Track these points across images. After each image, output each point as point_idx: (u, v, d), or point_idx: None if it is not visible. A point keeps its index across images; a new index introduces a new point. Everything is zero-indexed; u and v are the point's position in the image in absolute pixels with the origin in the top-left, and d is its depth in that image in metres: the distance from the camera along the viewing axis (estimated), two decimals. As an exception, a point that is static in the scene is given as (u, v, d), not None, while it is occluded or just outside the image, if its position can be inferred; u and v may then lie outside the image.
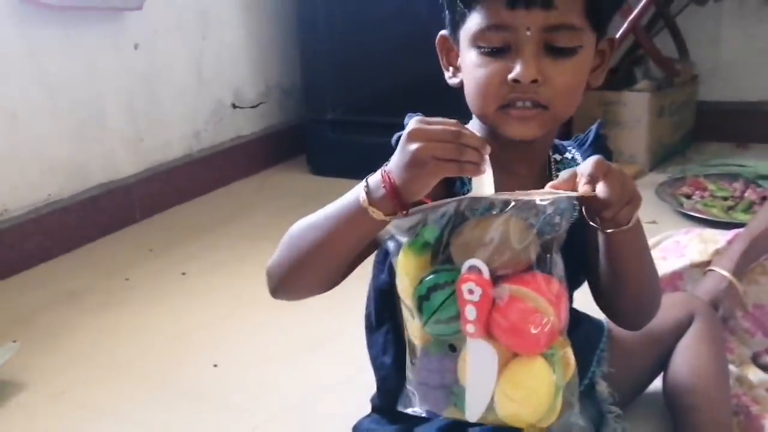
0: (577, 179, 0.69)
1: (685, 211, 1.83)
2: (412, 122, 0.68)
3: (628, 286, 0.80)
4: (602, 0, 0.74)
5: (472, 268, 0.64)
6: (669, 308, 1.00)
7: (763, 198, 1.85)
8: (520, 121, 0.75)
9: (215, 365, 1.32)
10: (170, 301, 1.62)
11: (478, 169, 0.66)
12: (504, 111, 0.75)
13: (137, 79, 2.13)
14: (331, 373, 1.29)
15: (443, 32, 0.82)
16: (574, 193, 0.68)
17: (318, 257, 0.75)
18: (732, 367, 1.05)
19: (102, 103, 2.03)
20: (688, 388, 0.94)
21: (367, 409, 0.96)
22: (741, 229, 1.24)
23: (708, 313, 1.01)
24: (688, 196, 1.92)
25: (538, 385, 0.66)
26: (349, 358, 1.28)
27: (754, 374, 1.07)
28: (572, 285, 0.86)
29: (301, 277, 0.77)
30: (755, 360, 1.11)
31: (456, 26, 0.79)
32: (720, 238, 1.26)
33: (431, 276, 0.66)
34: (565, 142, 0.90)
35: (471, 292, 0.63)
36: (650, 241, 1.34)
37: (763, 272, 1.17)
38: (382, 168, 0.70)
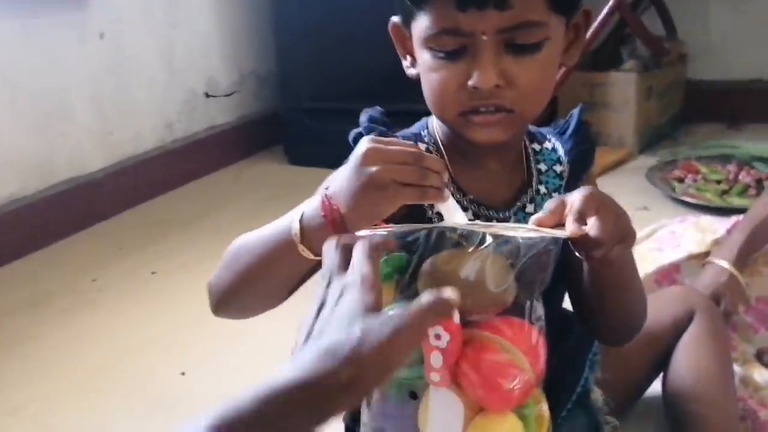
0: (565, 212, 0.61)
1: (677, 197, 1.76)
2: (366, 141, 0.61)
3: (614, 312, 0.75)
4: None
5: None
6: (666, 304, 0.93)
7: (758, 181, 1.79)
8: (483, 127, 0.68)
9: (182, 373, 1.24)
10: (139, 304, 1.54)
11: (441, 195, 0.61)
12: (465, 117, 0.68)
13: (104, 70, 2.02)
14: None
15: (395, 19, 0.74)
16: (561, 234, 0.60)
17: (253, 281, 0.69)
18: (735, 367, 0.98)
19: (67, 95, 1.93)
20: (689, 393, 0.87)
21: (339, 420, 0.89)
22: (740, 218, 1.17)
23: (709, 308, 0.94)
24: (681, 180, 1.85)
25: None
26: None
27: (759, 374, 1.00)
28: (553, 296, 0.79)
29: (238, 297, 0.71)
30: (760, 358, 1.04)
31: (407, 19, 0.71)
32: (718, 226, 1.19)
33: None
34: (543, 129, 0.83)
35: (438, 337, 0.54)
36: (644, 231, 1.29)
37: (765, 263, 1.11)
38: (322, 192, 0.63)
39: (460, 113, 0.68)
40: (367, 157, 0.60)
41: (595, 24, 1.98)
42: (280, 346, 1.39)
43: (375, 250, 0.54)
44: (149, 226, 1.96)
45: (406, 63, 0.75)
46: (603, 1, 2.00)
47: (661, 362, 0.93)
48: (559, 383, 0.83)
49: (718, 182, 1.81)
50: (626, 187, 1.88)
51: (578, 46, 0.73)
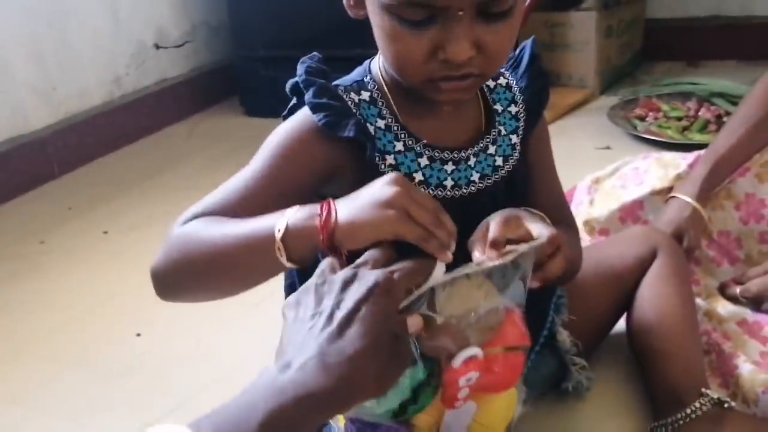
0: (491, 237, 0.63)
1: (639, 134, 1.74)
2: (397, 175, 0.60)
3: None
4: None
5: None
6: (630, 244, 0.93)
7: (718, 116, 1.78)
8: (450, 92, 0.65)
9: (138, 334, 1.20)
10: (90, 265, 1.48)
11: (444, 252, 0.59)
12: (433, 83, 0.65)
13: (43, 22, 1.91)
14: (263, 339, 1.17)
15: None
16: (536, 243, 0.64)
17: (212, 277, 0.65)
18: (699, 301, 0.97)
19: (3, 49, 1.82)
20: (654, 330, 0.86)
21: None
22: (702, 152, 1.15)
23: (671, 246, 0.93)
24: (642, 119, 1.83)
25: (509, 407, 0.65)
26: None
27: (723, 307, 0.99)
28: None
29: (191, 289, 0.68)
30: (723, 291, 1.04)
31: None
32: (680, 161, 1.17)
33: (407, 371, 0.57)
34: None
35: (469, 380, 0.58)
36: (607, 169, 1.27)
37: (727, 196, 1.09)
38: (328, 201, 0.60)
39: (428, 79, 0.65)
40: (396, 181, 0.59)
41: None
42: (237, 303, 1.35)
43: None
44: (99, 185, 1.89)
45: (347, 2, 0.69)
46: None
47: (625, 301, 0.92)
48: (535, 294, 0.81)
49: (679, 119, 1.79)
50: (588, 127, 1.86)
51: None
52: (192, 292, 0.69)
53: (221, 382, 1.06)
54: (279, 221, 0.60)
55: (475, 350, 0.58)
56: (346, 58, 2.06)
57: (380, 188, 0.59)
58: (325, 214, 0.59)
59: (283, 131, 0.70)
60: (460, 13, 0.60)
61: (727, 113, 1.79)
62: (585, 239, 1.19)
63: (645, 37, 2.40)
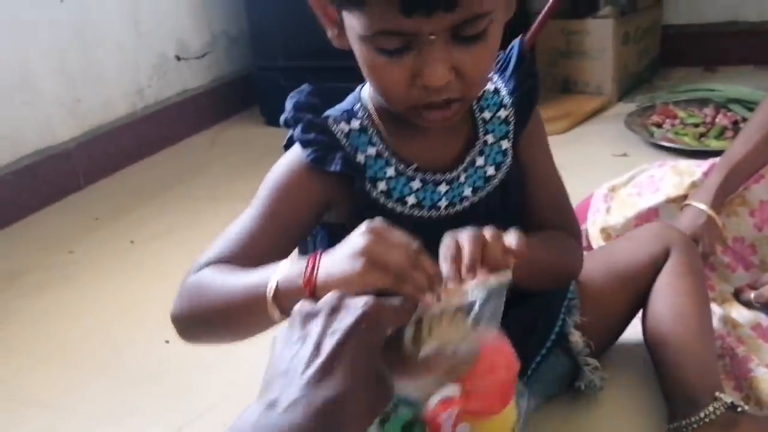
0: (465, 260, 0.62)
1: (656, 142, 1.75)
2: (370, 223, 0.59)
3: (545, 285, 0.80)
4: None
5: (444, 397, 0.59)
6: (642, 242, 0.93)
7: (735, 123, 1.78)
8: (434, 121, 0.67)
9: (167, 341, 1.23)
10: (117, 273, 1.51)
11: (422, 294, 0.57)
12: (417, 109, 0.66)
13: (67, 35, 1.96)
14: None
15: None
16: (505, 279, 0.63)
17: (218, 326, 0.68)
18: (714, 306, 0.98)
19: (29, 63, 1.87)
20: (669, 330, 0.86)
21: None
22: (717, 160, 1.16)
23: (685, 243, 0.92)
24: (659, 125, 1.84)
25: (505, 424, 0.64)
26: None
27: (737, 312, 1.00)
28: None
29: (204, 335, 0.71)
30: (738, 296, 1.05)
31: (338, 2, 0.65)
32: (696, 169, 1.19)
33: (393, 416, 0.59)
34: None
35: (450, 415, 0.58)
36: (624, 177, 1.28)
37: (742, 203, 1.10)
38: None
39: (412, 107, 0.66)
40: (372, 231, 0.58)
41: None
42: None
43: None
44: (125, 195, 1.93)
45: (331, 34, 0.70)
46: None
47: (639, 301, 0.92)
48: (537, 328, 0.83)
49: (696, 126, 1.80)
50: (606, 134, 1.87)
51: (511, 8, 0.68)
52: (207, 337, 0.72)
53: (248, 387, 1.08)
54: (271, 278, 0.61)
55: (450, 389, 0.58)
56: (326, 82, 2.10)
57: (353, 239, 0.59)
58: (308, 270, 0.59)
59: (278, 170, 0.73)
60: (432, 37, 0.60)
61: (744, 119, 1.80)
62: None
63: (662, 43, 2.40)
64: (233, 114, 2.48)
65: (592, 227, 1.23)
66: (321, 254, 0.61)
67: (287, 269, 0.62)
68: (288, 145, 0.76)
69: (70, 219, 1.81)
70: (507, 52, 0.79)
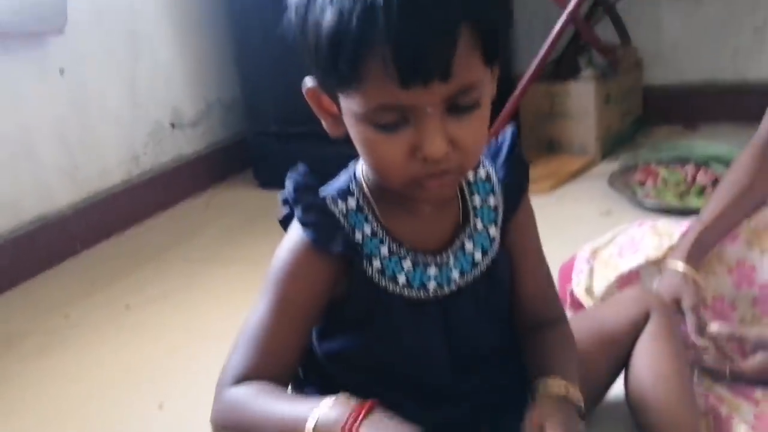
0: None
1: (639, 200, 1.80)
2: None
3: None
4: (497, 39, 0.64)
5: None
6: (623, 306, 0.97)
7: (715, 180, 1.83)
8: (433, 189, 0.68)
9: (160, 406, 1.24)
10: (113, 337, 1.53)
11: None
12: (416, 182, 0.67)
13: (66, 106, 2.03)
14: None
15: (310, 84, 0.71)
16: None
17: None
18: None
19: (30, 134, 1.93)
20: (650, 393, 0.89)
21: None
22: (693, 219, 1.20)
23: (663, 308, 0.97)
24: (641, 184, 1.89)
25: None
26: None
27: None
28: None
29: None
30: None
31: (330, 86, 0.67)
32: (674, 230, 1.23)
33: None
34: None
35: None
36: (605, 237, 1.32)
37: (719, 262, 1.14)
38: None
39: (411, 180, 0.67)
40: None
41: (552, 36, 2.03)
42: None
43: None
44: (120, 260, 1.96)
45: (326, 124, 0.72)
46: (558, 14, 2.05)
47: (621, 363, 0.95)
48: (523, 389, 0.85)
49: (677, 184, 1.85)
50: (590, 193, 1.93)
51: (495, 75, 0.71)
52: None
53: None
54: (310, 418, 0.66)
55: None
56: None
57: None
58: (350, 422, 0.64)
59: (282, 257, 0.75)
60: (429, 110, 0.62)
61: (724, 177, 1.86)
62: (586, 306, 1.24)
63: (644, 102, 2.48)
64: (227, 177, 2.53)
65: (578, 288, 1.26)
66: (364, 410, 0.65)
67: (326, 411, 0.66)
68: (284, 222, 0.78)
69: (67, 283, 1.84)
70: (499, 140, 0.81)
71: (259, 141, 2.38)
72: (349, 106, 0.66)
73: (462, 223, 0.78)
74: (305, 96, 0.72)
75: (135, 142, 2.25)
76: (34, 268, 1.89)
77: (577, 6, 2.03)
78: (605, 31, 2.37)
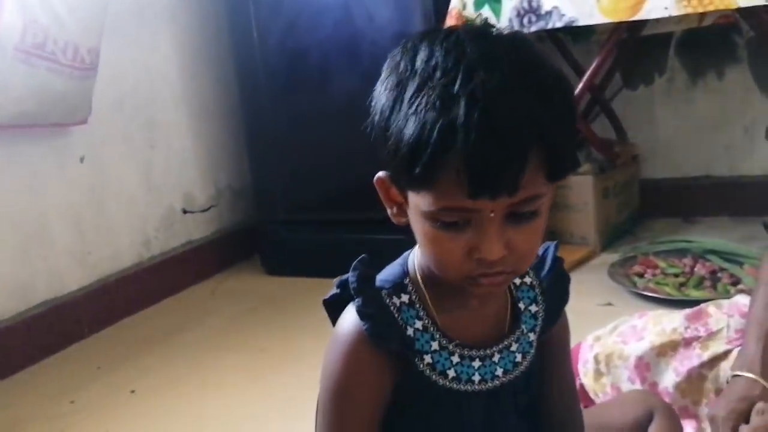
0: None
1: (638, 291, 1.84)
2: None
3: None
4: (563, 161, 0.67)
5: None
6: (628, 405, 1.01)
7: (713, 272, 1.88)
8: (487, 287, 0.70)
9: (166, 493, 1.25)
10: (118, 424, 1.54)
11: None
12: (470, 278, 0.70)
13: (83, 192, 2.10)
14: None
15: (382, 175, 0.72)
16: None
17: None
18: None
19: (46, 218, 1.99)
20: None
21: None
22: (696, 308, 1.24)
23: (667, 410, 1.01)
24: (641, 275, 1.94)
25: None
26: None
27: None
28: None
29: None
30: None
31: (401, 182, 0.69)
32: (675, 316, 1.26)
33: None
34: None
35: None
36: (608, 327, 1.35)
37: None
38: None
39: (465, 277, 0.70)
40: None
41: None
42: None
43: None
44: (127, 344, 1.98)
45: (391, 212, 0.75)
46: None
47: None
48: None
49: (676, 275, 1.89)
50: (590, 284, 1.96)
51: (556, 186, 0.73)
52: None
53: None
54: None
55: None
56: (363, 221, 2.22)
57: None
58: None
59: (340, 356, 0.75)
60: (492, 215, 0.65)
61: (722, 269, 1.90)
62: (593, 397, 1.26)
63: (641, 196, 2.55)
64: (235, 263, 2.57)
65: (585, 378, 1.28)
66: None
67: None
68: (330, 304, 0.79)
69: (73, 368, 1.85)
70: (542, 252, 0.83)
71: (267, 228, 2.44)
72: (417, 202, 0.68)
73: (511, 325, 0.80)
74: (375, 183, 0.74)
75: (147, 227, 2.31)
76: (43, 351, 1.91)
77: (576, 104, 2.13)
78: (602, 128, 2.48)
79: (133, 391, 1.68)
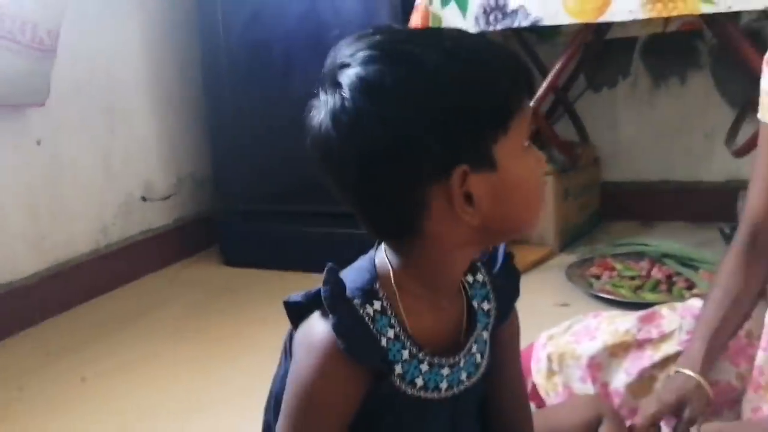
0: None
1: (595, 293, 1.86)
2: None
3: None
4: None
5: None
6: (577, 409, 1.03)
7: (668, 276, 1.91)
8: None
9: (112, 483, 1.23)
10: (68, 411, 1.51)
11: None
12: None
13: (39, 176, 2.05)
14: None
15: (464, 168, 0.67)
16: None
17: None
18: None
19: (0, 201, 1.94)
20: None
21: None
22: (648, 311, 1.26)
23: (615, 415, 1.03)
24: (598, 277, 1.96)
25: None
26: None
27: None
28: None
29: None
30: None
31: (487, 148, 0.68)
32: (628, 317, 1.28)
33: None
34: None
35: None
36: (561, 326, 1.36)
37: None
38: None
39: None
40: None
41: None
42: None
43: None
44: (79, 331, 1.94)
45: (468, 217, 0.69)
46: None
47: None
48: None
49: (632, 278, 1.92)
50: (547, 284, 1.98)
51: None
52: None
53: None
54: None
55: None
56: (323, 213, 2.21)
57: None
58: None
59: (313, 366, 0.72)
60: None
61: (678, 273, 1.94)
62: (545, 397, 1.27)
63: (601, 198, 2.58)
64: (194, 253, 2.54)
65: (538, 376, 1.29)
66: None
67: None
68: (290, 306, 0.76)
69: (23, 354, 1.81)
70: (493, 252, 0.83)
71: (226, 218, 2.42)
72: (511, 146, 0.69)
73: (468, 326, 0.79)
74: (455, 185, 0.67)
75: (105, 214, 2.27)
76: (-9, 337, 1.86)
77: (538, 104, 2.14)
78: (565, 129, 2.50)
79: (83, 379, 1.65)
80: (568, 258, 2.16)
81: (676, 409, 1.08)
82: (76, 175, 2.16)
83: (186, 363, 1.70)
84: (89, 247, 2.21)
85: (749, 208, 1.21)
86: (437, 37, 0.70)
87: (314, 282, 0.72)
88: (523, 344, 1.33)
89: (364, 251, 0.78)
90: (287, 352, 0.80)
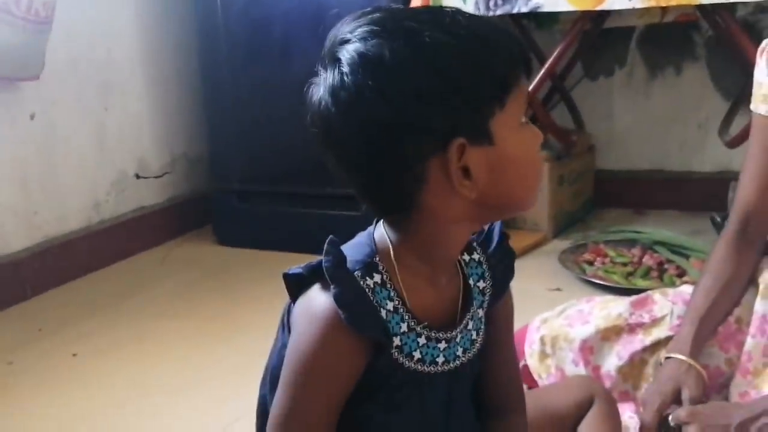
0: None
1: (587, 278, 1.87)
2: None
3: None
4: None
5: None
6: (570, 389, 1.03)
7: (660, 263, 1.92)
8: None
9: (104, 457, 1.23)
10: (58, 386, 1.51)
11: None
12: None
13: (32, 150, 2.03)
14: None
15: (462, 141, 0.67)
16: None
17: None
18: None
19: (-9, 174, 1.93)
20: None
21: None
22: (640, 296, 1.27)
23: (607, 396, 1.04)
24: (590, 263, 1.97)
25: None
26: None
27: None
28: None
29: None
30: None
31: (488, 115, 0.68)
32: (621, 302, 1.29)
33: None
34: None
35: None
36: (555, 310, 1.37)
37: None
38: None
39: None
40: None
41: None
42: (207, 430, 1.38)
43: None
44: (71, 307, 1.93)
45: (465, 190, 0.69)
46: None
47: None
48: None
49: (624, 265, 1.93)
50: (541, 269, 1.99)
51: None
52: None
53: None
54: None
55: None
56: (318, 195, 2.21)
57: None
58: None
59: (315, 338, 0.72)
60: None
61: (669, 261, 1.95)
62: (538, 379, 1.29)
63: (595, 186, 2.59)
64: (187, 232, 2.54)
65: (531, 359, 1.30)
66: None
67: None
68: (290, 278, 0.76)
69: (13, 329, 1.81)
70: (489, 229, 0.83)
71: (220, 198, 2.41)
72: (508, 120, 0.69)
73: (465, 302, 0.80)
74: (453, 157, 0.68)
75: (97, 190, 2.26)
76: (-19, 310, 1.86)
77: (535, 91, 2.14)
78: (561, 117, 2.50)
79: (74, 355, 1.65)
80: (562, 244, 2.17)
81: (676, 396, 1.10)
82: (69, 151, 2.15)
83: (178, 341, 1.70)
84: (81, 223, 2.20)
85: (740, 196, 1.22)
86: (437, 14, 0.70)
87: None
88: (517, 328, 1.36)
89: (358, 232, 0.79)
90: (285, 325, 0.80)
